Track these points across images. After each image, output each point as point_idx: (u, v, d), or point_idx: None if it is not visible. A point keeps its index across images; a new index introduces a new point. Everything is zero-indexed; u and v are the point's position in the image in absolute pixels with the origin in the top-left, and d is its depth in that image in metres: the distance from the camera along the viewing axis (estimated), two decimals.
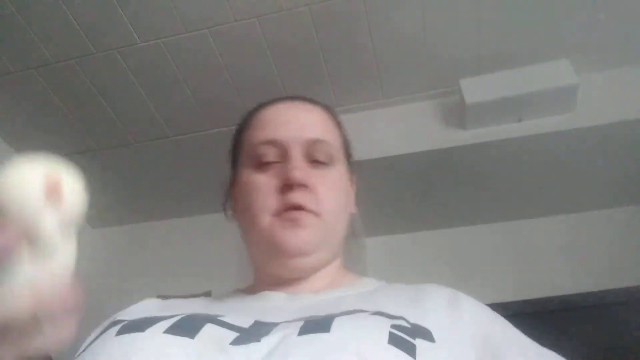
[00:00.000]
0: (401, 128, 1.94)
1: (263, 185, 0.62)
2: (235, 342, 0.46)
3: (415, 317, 0.51)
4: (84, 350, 0.52)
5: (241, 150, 0.70)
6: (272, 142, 0.64)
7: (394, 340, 0.44)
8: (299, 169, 0.61)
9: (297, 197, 0.60)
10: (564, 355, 0.56)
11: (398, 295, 0.59)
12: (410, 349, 0.44)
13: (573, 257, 1.98)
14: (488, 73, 1.82)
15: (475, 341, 0.52)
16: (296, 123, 0.66)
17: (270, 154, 0.64)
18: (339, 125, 0.73)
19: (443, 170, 1.95)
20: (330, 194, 0.63)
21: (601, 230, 2.03)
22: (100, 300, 2.53)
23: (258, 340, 0.45)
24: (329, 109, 0.73)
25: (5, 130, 2.13)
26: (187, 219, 2.36)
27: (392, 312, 0.51)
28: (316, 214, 0.61)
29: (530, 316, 1.86)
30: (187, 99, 1.97)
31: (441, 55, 1.83)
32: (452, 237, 2.18)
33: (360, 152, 1.98)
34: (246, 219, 0.65)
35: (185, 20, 1.72)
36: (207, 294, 2.52)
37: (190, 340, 0.45)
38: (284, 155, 0.63)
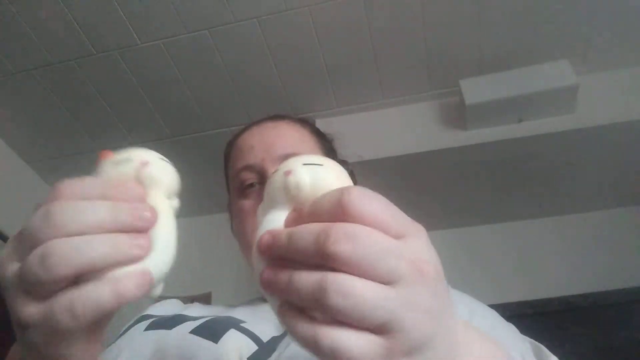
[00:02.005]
0: (401, 128, 1.94)
1: (247, 210, 0.66)
2: (253, 357, 0.47)
3: None
4: (113, 342, 0.54)
5: (228, 180, 0.75)
6: (248, 168, 0.68)
7: None
8: None
9: None
10: (564, 356, 0.55)
11: None
12: None
13: (573, 257, 1.98)
14: (488, 73, 1.82)
15: None
16: (266, 143, 0.69)
17: (250, 179, 0.67)
18: (314, 132, 0.75)
19: (443, 171, 1.95)
20: None
21: (601, 231, 2.03)
22: None
23: (269, 355, 0.47)
24: (300, 121, 0.76)
25: (5, 130, 2.13)
26: (187, 220, 2.36)
27: None
28: None
29: (531, 317, 1.87)
30: (187, 99, 1.97)
31: (441, 56, 1.83)
32: (452, 237, 2.18)
33: (360, 153, 1.99)
34: (240, 241, 0.70)
35: (185, 20, 1.73)
36: (207, 295, 2.52)
37: (214, 344, 0.47)
38: (262, 176, 0.66)
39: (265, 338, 0.51)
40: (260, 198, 0.64)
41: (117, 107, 2.02)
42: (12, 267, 0.30)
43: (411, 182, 2.00)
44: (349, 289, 0.26)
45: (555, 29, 1.75)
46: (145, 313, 0.57)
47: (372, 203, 0.29)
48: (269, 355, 0.48)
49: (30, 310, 0.29)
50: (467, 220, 2.17)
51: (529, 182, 1.99)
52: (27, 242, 0.30)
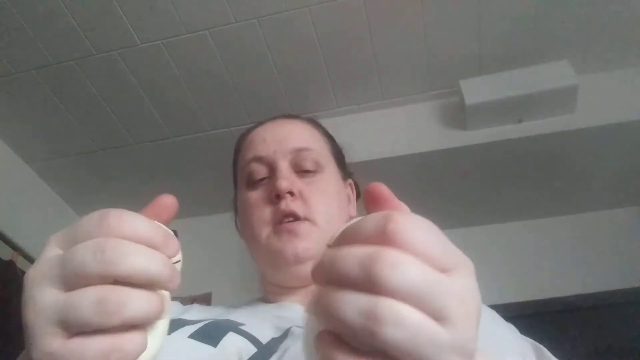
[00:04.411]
0: (401, 129, 1.94)
1: (256, 201, 0.66)
2: (252, 359, 0.47)
3: None
4: None
5: (237, 172, 0.74)
6: (259, 159, 0.68)
7: None
8: (285, 179, 0.63)
9: (286, 204, 0.62)
10: (564, 357, 0.55)
11: None
12: None
13: (573, 258, 1.98)
14: (488, 74, 1.82)
15: None
16: (279, 136, 0.69)
17: (260, 171, 0.67)
18: (325, 134, 0.76)
19: (443, 172, 1.95)
20: (320, 199, 0.65)
21: (601, 232, 2.03)
22: None
23: (269, 358, 0.47)
24: (312, 121, 0.77)
25: (5, 131, 2.13)
26: (187, 220, 2.36)
27: None
28: (311, 222, 0.63)
29: (531, 317, 1.86)
30: (187, 99, 1.97)
31: (441, 56, 1.83)
32: (452, 238, 2.13)
33: (361, 153, 2.00)
34: (247, 234, 0.68)
35: (185, 21, 1.73)
36: (207, 295, 2.52)
37: (213, 348, 0.47)
38: (272, 169, 0.66)
39: (264, 340, 0.51)
40: (268, 190, 0.65)
41: (117, 107, 2.02)
42: (50, 296, 0.29)
43: (411, 183, 2.00)
44: (405, 320, 0.25)
45: (555, 29, 1.75)
46: None
47: (420, 233, 0.28)
48: (269, 357, 0.48)
49: (58, 345, 0.28)
50: (467, 221, 2.17)
51: (529, 183, 1.99)
52: (74, 274, 0.29)
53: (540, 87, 1.75)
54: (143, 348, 0.30)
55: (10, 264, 2.00)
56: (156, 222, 0.35)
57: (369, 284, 0.25)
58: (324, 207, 0.64)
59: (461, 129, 1.87)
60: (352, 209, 0.73)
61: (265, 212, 0.64)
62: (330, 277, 0.27)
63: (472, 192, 2.04)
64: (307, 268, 0.61)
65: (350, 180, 0.76)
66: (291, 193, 0.63)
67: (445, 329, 0.26)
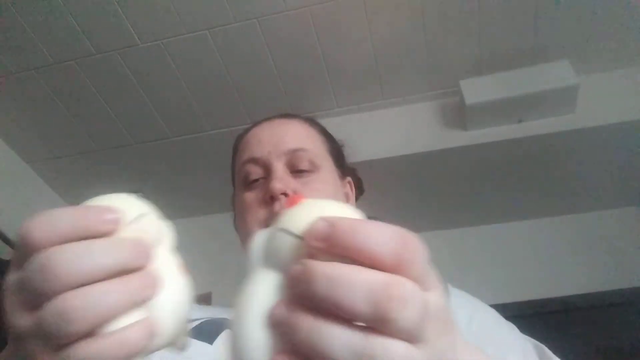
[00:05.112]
0: (401, 129, 1.94)
1: (251, 201, 0.66)
2: None
3: None
4: None
5: (234, 173, 0.76)
6: (254, 160, 0.68)
7: None
8: (280, 180, 0.64)
9: (280, 206, 0.62)
10: (564, 357, 0.55)
11: None
12: None
13: (573, 258, 1.98)
14: (488, 74, 1.82)
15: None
16: (274, 137, 0.69)
17: (255, 172, 0.68)
18: (323, 133, 0.76)
19: (443, 172, 1.95)
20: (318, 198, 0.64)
21: (601, 231, 2.03)
22: None
23: None
24: (309, 120, 0.76)
25: (5, 131, 2.13)
26: (187, 220, 2.36)
27: None
28: None
29: (531, 317, 1.87)
30: (187, 99, 1.97)
31: (441, 56, 1.83)
32: (452, 238, 2.18)
33: (360, 153, 1.99)
34: (242, 233, 0.69)
35: (185, 21, 1.73)
36: (207, 295, 2.52)
37: (209, 345, 0.47)
38: (267, 170, 0.67)
39: None
40: (263, 191, 0.65)
41: (117, 107, 2.02)
42: (24, 321, 0.29)
43: (411, 183, 2.00)
44: (395, 356, 0.23)
45: (555, 29, 1.75)
46: None
47: (424, 256, 0.26)
48: None
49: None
50: (467, 221, 2.17)
51: (529, 182, 1.99)
52: (30, 299, 0.29)
53: (540, 87, 1.75)
54: (149, 331, 0.29)
55: (10, 264, 2.00)
56: (87, 203, 0.34)
57: (375, 322, 0.23)
58: None
59: (461, 129, 1.87)
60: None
61: (260, 213, 0.65)
62: (324, 301, 0.24)
63: (472, 192, 2.04)
64: None
65: (348, 179, 0.76)
66: (285, 194, 0.63)
67: (422, 349, 0.25)
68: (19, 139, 2.16)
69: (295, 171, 0.66)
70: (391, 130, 1.94)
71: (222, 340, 0.48)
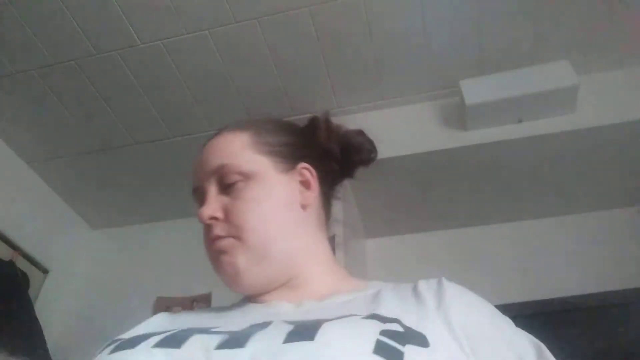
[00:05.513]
0: (401, 129, 1.94)
1: (203, 228, 0.67)
2: (220, 346, 0.46)
3: (411, 319, 0.50)
4: None
5: None
6: (195, 191, 0.70)
7: (380, 348, 0.42)
8: (206, 206, 0.65)
9: (212, 231, 0.64)
10: (564, 358, 0.55)
11: (399, 297, 0.58)
12: (397, 358, 0.42)
13: (573, 258, 1.98)
14: (488, 74, 1.82)
15: (463, 338, 0.51)
16: (200, 163, 0.70)
17: (200, 199, 0.68)
18: (256, 134, 0.71)
19: (443, 172, 1.95)
20: (245, 210, 0.63)
21: (601, 232, 2.03)
22: (100, 300, 2.53)
23: (242, 346, 0.45)
24: (240, 125, 0.74)
25: (5, 131, 2.13)
26: (187, 220, 2.35)
27: (388, 314, 0.51)
28: (235, 238, 0.63)
29: (531, 317, 1.86)
30: (187, 99, 1.97)
31: (441, 56, 1.83)
32: (452, 238, 2.18)
33: None
34: None
35: (185, 21, 1.73)
36: (207, 295, 2.52)
37: (177, 349, 0.46)
38: (204, 198, 0.67)
39: (237, 329, 0.50)
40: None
41: (117, 107, 2.02)
42: None
43: (411, 183, 2.00)
44: None
45: (555, 29, 1.75)
46: (115, 338, 0.55)
47: None
48: (245, 340, 0.45)
49: None
50: (467, 221, 2.17)
51: (529, 183, 1.99)
52: None
53: (540, 87, 1.75)
54: None
55: (10, 264, 2.00)
56: None
57: None
58: (250, 216, 0.63)
59: (461, 129, 1.87)
60: (309, 196, 0.69)
61: (207, 244, 0.66)
62: None
63: (472, 192, 2.04)
64: (247, 282, 0.62)
65: (302, 164, 0.71)
66: (215, 218, 0.64)
67: None
68: (19, 139, 2.16)
69: (226, 187, 0.65)
70: (391, 130, 1.94)
71: (192, 341, 0.47)
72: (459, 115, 1.87)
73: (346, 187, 1.99)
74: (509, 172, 1.94)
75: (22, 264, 2.08)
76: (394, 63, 1.86)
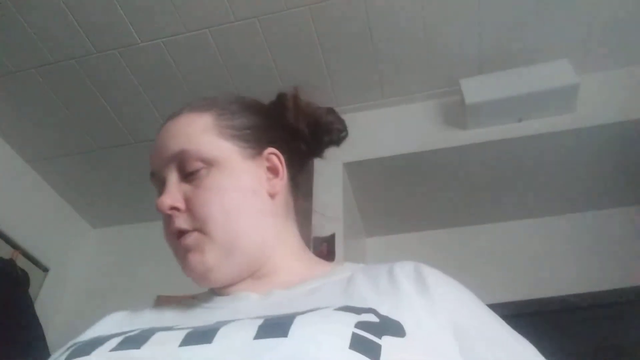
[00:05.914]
0: (401, 128, 1.94)
1: (163, 219, 0.62)
2: (185, 342, 0.43)
3: (387, 307, 0.48)
4: None
5: None
6: (152, 175, 0.66)
7: (356, 343, 0.40)
8: (166, 194, 0.60)
9: (173, 223, 0.59)
10: (564, 356, 0.55)
11: (373, 282, 0.55)
12: (374, 351, 0.40)
13: (573, 257, 1.98)
14: (488, 73, 1.82)
15: (448, 327, 0.49)
16: (159, 146, 0.65)
17: (159, 187, 0.64)
18: (219, 115, 0.67)
19: (443, 171, 1.95)
20: (209, 200, 0.59)
21: (601, 231, 2.03)
22: (100, 300, 2.53)
23: (210, 342, 0.42)
24: (199, 106, 0.70)
25: (5, 130, 2.13)
26: None
27: (362, 304, 0.48)
28: (199, 231, 0.59)
29: (530, 316, 1.87)
30: (187, 98, 1.96)
31: (441, 55, 1.83)
32: (452, 237, 2.18)
33: (361, 152, 1.99)
34: None
35: (185, 20, 1.73)
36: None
37: (137, 350, 0.43)
38: (163, 184, 0.63)
39: (203, 324, 0.48)
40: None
41: (117, 106, 2.02)
42: None
43: (411, 182, 2.00)
44: None
45: (555, 29, 1.75)
46: (72, 343, 0.52)
47: None
48: (212, 333, 0.43)
49: None
50: (466, 220, 2.17)
51: (529, 182, 1.99)
52: None
53: (540, 86, 1.75)
54: None
55: (10, 263, 2.00)
56: None
57: None
58: (213, 206, 0.59)
59: (461, 128, 1.87)
60: (276, 184, 0.65)
61: (167, 236, 0.62)
62: None
63: (472, 191, 2.04)
64: (217, 276, 0.59)
65: (270, 149, 0.66)
66: (176, 208, 0.59)
67: None
68: (19, 139, 2.16)
69: (188, 174, 0.61)
70: (391, 129, 1.94)
71: (155, 339, 0.44)
72: (459, 114, 1.87)
73: (346, 187, 1.99)
74: (509, 171, 1.94)
75: (22, 262, 2.08)
76: (394, 62, 1.86)
